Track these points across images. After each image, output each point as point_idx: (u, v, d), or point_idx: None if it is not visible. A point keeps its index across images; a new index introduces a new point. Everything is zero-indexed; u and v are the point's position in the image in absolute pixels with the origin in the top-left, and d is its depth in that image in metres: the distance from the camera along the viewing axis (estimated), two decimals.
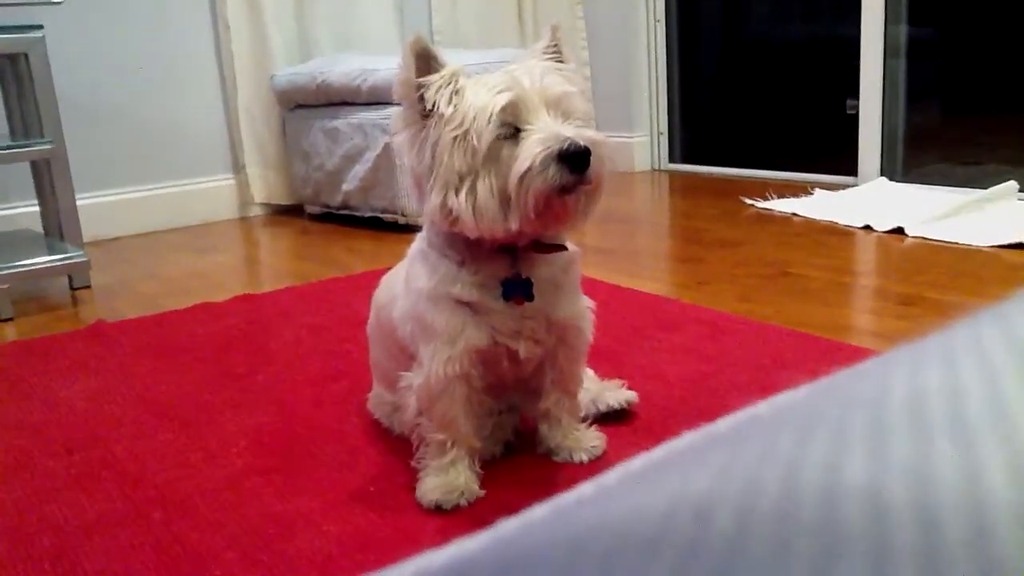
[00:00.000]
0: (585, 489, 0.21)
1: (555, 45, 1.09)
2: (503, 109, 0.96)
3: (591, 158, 0.95)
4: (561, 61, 1.08)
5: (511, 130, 0.97)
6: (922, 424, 0.16)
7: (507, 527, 0.20)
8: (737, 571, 0.15)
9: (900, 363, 0.19)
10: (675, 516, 0.17)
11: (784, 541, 0.15)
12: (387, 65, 2.61)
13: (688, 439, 0.22)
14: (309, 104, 3.02)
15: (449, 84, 1.00)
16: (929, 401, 0.17)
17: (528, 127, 0.97)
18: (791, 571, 0.14)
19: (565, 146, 0.94)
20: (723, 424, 0.21)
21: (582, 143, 0.94)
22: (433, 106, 1.00)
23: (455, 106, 0.98)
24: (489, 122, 0.96)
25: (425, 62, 1.02)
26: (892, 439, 0.16)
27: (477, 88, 0.99)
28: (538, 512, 0.20)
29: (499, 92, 0.97)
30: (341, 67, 2.84)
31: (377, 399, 1.32)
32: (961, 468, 0.15)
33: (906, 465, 0.15)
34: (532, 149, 0.94)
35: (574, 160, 0.94)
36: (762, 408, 0.21)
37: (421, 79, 1.01)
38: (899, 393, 0.17)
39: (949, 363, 0.18)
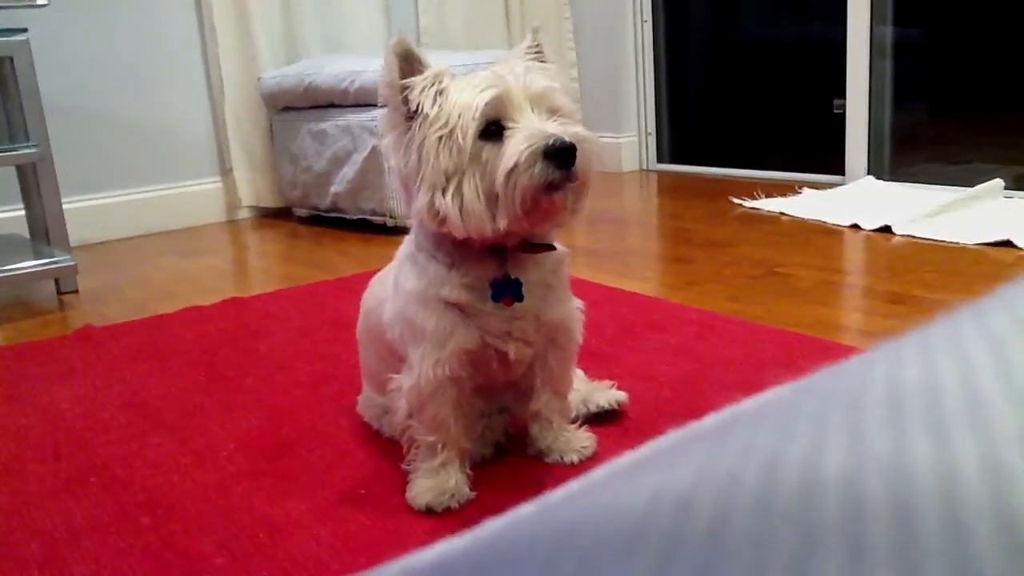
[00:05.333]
0: (570, 487, 0.21)
1: (537, 46, 1.10)
2: (487, 106, 0.96)
3: (577, 154, 0.95)
4: (544, 61, 1.08)
5: (496, 128, 0.97)
6: (899, 419, 0.16)
7: (493, 525, 0.20)
8: (717, 563, 0.15)
9: (879, 359, 0.19)
10: (656, 510, 0.17)
11: (763, 533, 0.15)
12: (374, 67, 2.61)
13: (673, 436, 0.22)
14: (296, 106, 3.01)
15: (433, 85, 1.00)
16: (906, 396, 0.17)
17: (513, 125, 0.97)
18: (770, 563, 0.15)
19: (551, 142, 0.94)
20: (707, 421, 0.22)
21: (567, 139, 0.95)
22: (418, 107, 1.00)
23: (439, 106, 0.98)
24: (474, 120, 0.96)
25: (408, 63, 1.02)
26: (869, 434, 0.16)
27: (461, 87, 0.99)
28: (523, 510, 0.20)
29: (483, 90, 0.97)
30: (328, 69, 2.84)
31: (367, 402, 1.32)
32: (936, 462, 0.15)
33: (883, 459, 0.15)
34: (517, 146, 0.94)
35: (560, 156, 0.94)
36: (745, 405, 0.21)
37: (405, 81, 1.01)
38: (877, 389, 0.18)
39: (927, 359, 0.18)
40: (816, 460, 0.16)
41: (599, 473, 0.21)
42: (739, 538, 0.15)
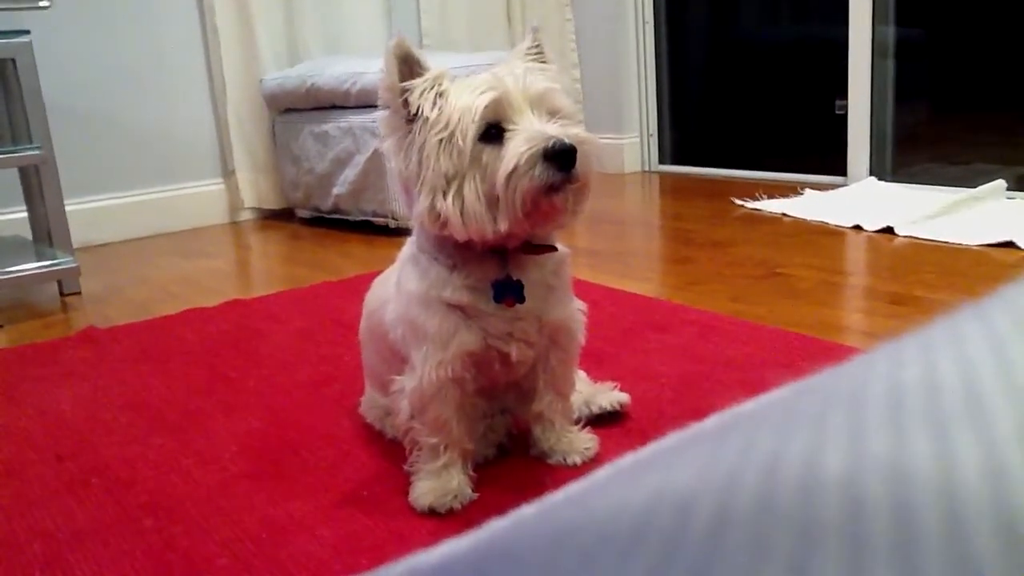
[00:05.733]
0: (572, 487, 0.21)
1: (537, 46, 1.10)
2: (487, 108, 0.96)
3: (577, 156, 0.95)
4: (544, 62, 1.08)
5: (496, 130, 0.97)
6: (899, 419, 0.16)
7: (496, 525, 0.20)
8: (716, 563, 0.15)
9: (880, 359, 0.19)
10: (656, 510, 0.17)
11: (762, 534, 0.15)
12: (376, 68, 2.61)
13: (675, 437, 0.22)
14: (298, 108, 3.01)
15: (433, 87, 1.00)
16: (906, 396, 0.17)
17: (513, 127, 0.97)
18: (769, 563, 0.15)
19: (550, 144, 0.94)
20: (709, 422, 0.22)
21: (567, 141, 0.95)
22: (418, 110, 1.00)
23: (439, 109, 0.98)
24: (473, 122, 0.96)
25: (408, 66, 1.02)
26: (870, 433, 0.16)
27: (460, 90, 0.99)
28: (526, 510, 0.20)
29: (482, 92, 0.97)
30: (330, 71, 2.84)
31: (369, 403, 1.32)
32: (936, 461, 0.15)
33: (882, 459, 0.15)
34: (517, 149, 0.94)
35: (560, 158, 0.94)
36: (747, 406, 0.21)
37: (405, 83, 1.01)
38: (878, 388, 0.18)
39: (927, 359, 0.18)
40: (816, 460, 0.16)
41: (600, 474, 0.21)
42: (739, 538, 0.15)
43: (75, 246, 2.39)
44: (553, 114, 1.00)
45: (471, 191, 0.97)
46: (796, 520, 0.15)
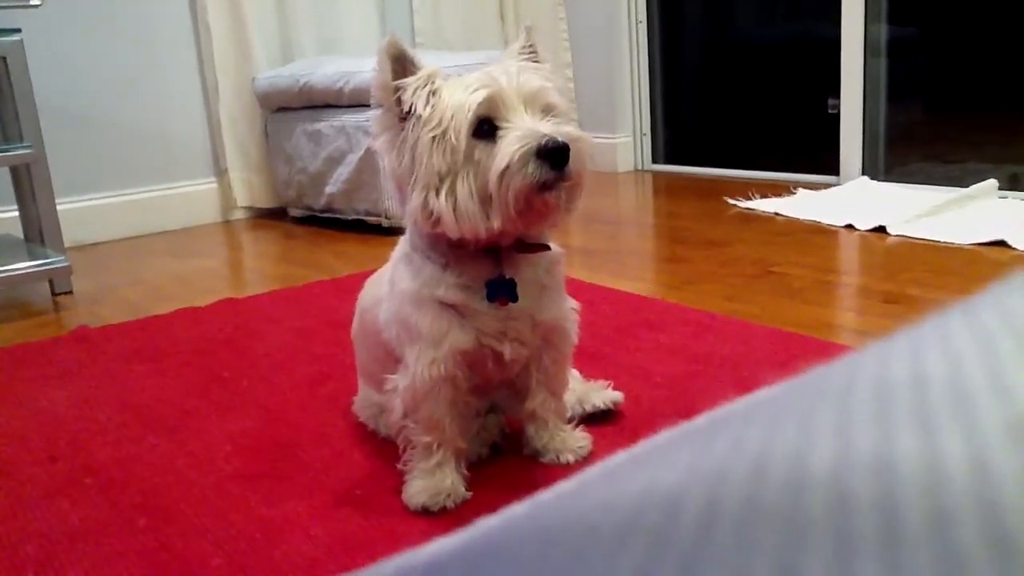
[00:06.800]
0: (564, 485, 0.21)
1: (530, 45, 1.10)
2: (480, 105, 0.97)
3: (570, 154, 0.96)
4: (537, 61, 1.08)
5: (489, 128, 0.97)
6: (886, 414, 0.16)
7: (486, 523, 0.20)
8: (705, 559, 0.15)
9: (868, 356, 0.19)
10: (644, 508, 0.17)
11: (750, 529, 0.15)
12: (369, 67, 2.60)
13: (665, 435, 0.22)
14: (291, 107, 3.01)
15: (426, 85, 1.00)
16: (893, 392, 0.17)
17: (506, 125, 0.97)
18: (757, 559, 0.15)
19: (543, 142, 0.94)
20: (700, 420, 0.22)
21: (560, 139, 0.95)
22: (411, 108, 1.00)
23: (432, 107, 0.99)
24: (467, 120, 0.96)
25: (400, 64, 1.02)
26: (856, 430, 0.16)
27: (454, 88, 0.99)
28: (516, 508, 0.21)
29: (475, 90, 0.98)
30: (323, 69, 2.84)
31: (363, 402, 1.32)
32: (922, 457, 0.15)
33: (870, 455, 0.16)
34: (510, 147, 0.94)
35: (553, 156, 0.95)
36: (736, 404, 0.21)
37: (397, 82, 1.01)
38: (865, 384, 0.18)
39: (915, 355, 0.18)
40: (803, 457, 0.16)
41: (590, 472, 0.21)
42: (727, 534, 0.15)
43: (67, 245, 2.38)
44: (546, 112, 1.00)
45: (464, 189, 0.97)
46: (784, 516, 0.15)
